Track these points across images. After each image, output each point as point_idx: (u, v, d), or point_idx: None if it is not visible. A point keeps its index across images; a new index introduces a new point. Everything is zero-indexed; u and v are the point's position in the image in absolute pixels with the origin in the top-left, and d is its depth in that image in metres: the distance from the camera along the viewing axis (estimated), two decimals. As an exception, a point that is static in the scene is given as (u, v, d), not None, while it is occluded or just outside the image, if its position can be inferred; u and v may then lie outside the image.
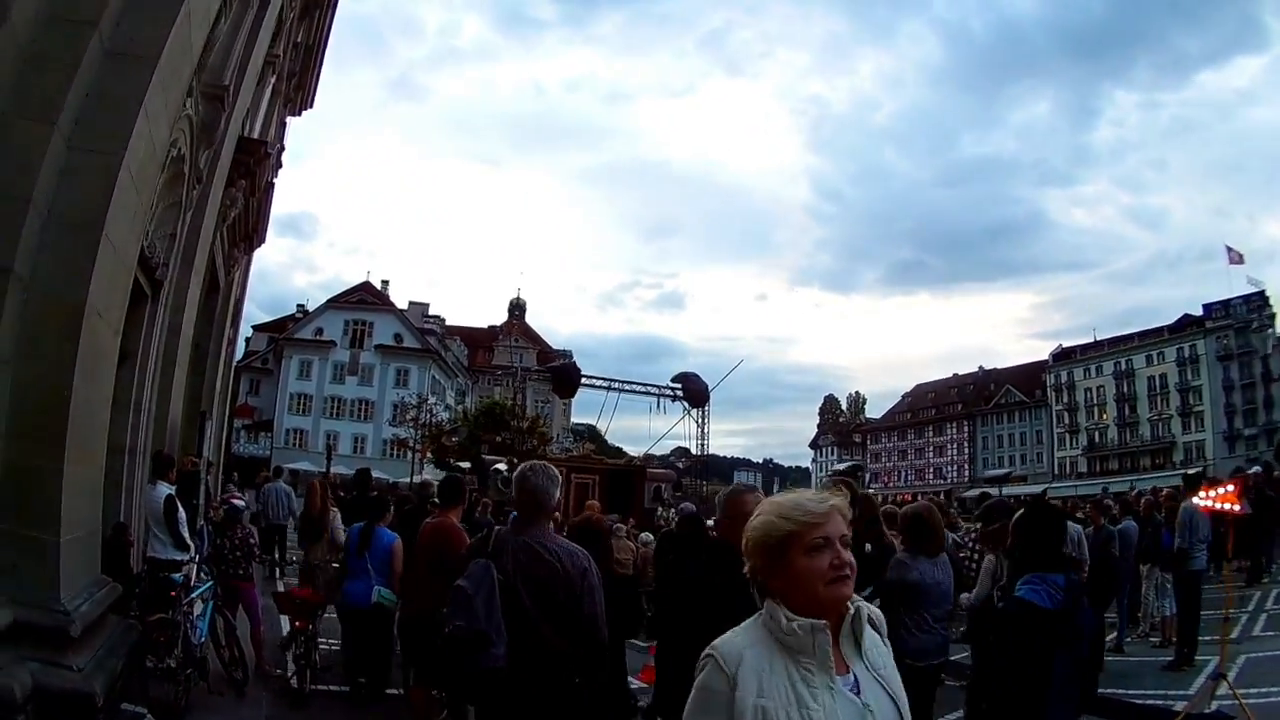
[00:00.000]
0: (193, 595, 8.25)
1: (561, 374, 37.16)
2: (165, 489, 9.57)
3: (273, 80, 17.84)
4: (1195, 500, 11.67)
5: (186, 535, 9.53)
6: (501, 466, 27.20)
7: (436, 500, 9.61)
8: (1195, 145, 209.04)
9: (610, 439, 44.09)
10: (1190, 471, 17.75)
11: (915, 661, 6.11)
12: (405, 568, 8.63)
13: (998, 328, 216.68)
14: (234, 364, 26.90)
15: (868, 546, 6.22)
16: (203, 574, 9.06)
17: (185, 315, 11.39)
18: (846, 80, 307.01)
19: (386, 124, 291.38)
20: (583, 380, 37.47)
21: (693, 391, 40.68)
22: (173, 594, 7.96)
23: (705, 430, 41.94)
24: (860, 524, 7.13)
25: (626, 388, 39.55)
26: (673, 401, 40.73)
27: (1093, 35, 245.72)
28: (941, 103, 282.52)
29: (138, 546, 9.29)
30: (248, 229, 17.75)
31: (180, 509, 9.51)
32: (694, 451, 43.40)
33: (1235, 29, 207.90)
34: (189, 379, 12.47)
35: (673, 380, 41.70)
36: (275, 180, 20.75)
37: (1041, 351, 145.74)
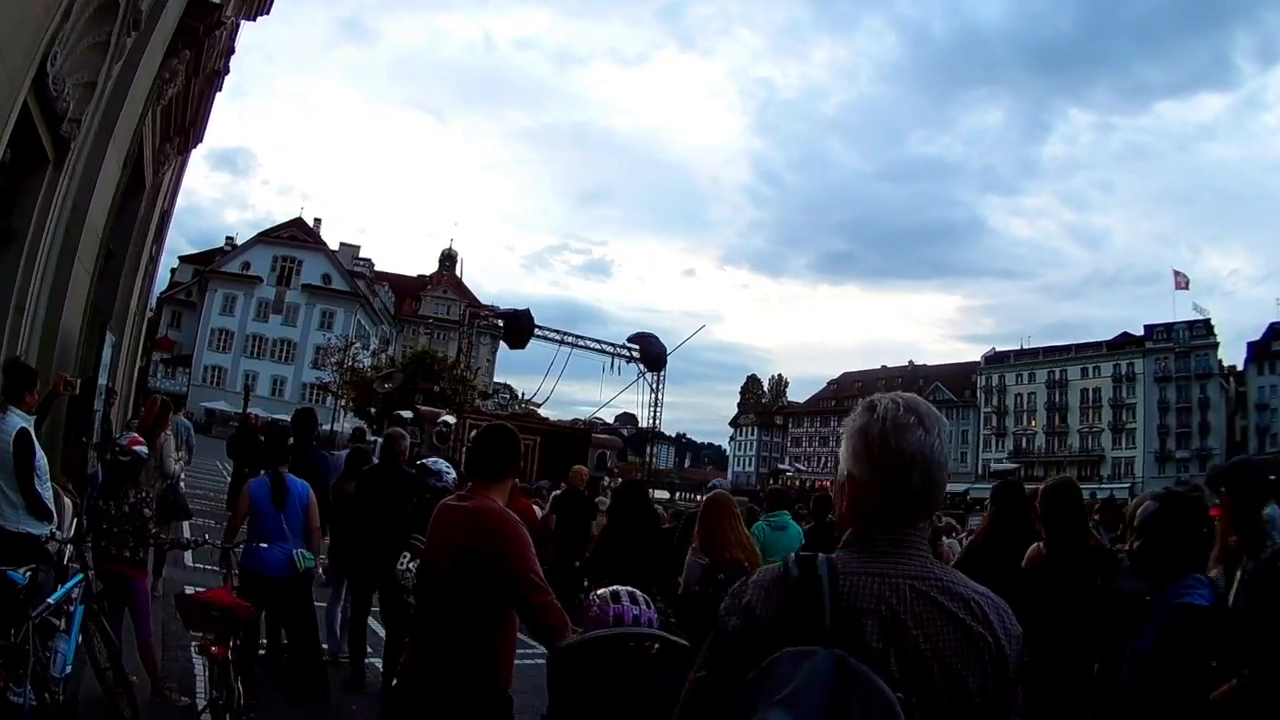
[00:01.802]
0: (51, 601, 5.22)
1: (514, 322, 32.87)
2: (18, 420, 6.15)
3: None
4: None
5: (47, 494, 6.24)
6: (449, 419, 24.79)
7: (445, 467, 7.04)
8: (1146, 172, 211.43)
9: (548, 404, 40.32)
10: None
11: None
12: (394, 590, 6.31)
13: (923, 326, 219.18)
14: (154, 285, 23.98)
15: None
16: (82, 555, 5.98)
17: (95, 199, 8.72)
18: (798, 66, 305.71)
19: (332, 65, 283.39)
20: (536, 330, 34.06)
21: (650, 354, 37.25)
22: (21, 598, 4.93)
23: (660, 397, 38.57)
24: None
25: (580, 343, 35.96)
26: (627, 363, 37.22)
27: (1055, 52, 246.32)
28: (893, 99, 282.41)
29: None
30: (184, 120, 15.02)
31: (38, 452, 6.16)
32: (644, 419, 39.95)
33: (1204, 65, 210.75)
34: (93, 284, 9.83)
35: (629, 340, 38.01)
36: (223, 74, 18.08)
37: (966, 354, 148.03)
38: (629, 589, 3.84)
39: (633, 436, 39.86)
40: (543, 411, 34.47)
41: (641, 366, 36.69)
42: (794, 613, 1.76)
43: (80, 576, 5.69)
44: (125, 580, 6.63)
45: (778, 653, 1.68)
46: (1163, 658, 3.54)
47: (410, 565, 5.59)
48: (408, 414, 26.60)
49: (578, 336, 35.85)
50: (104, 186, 9.03)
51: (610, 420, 36.70)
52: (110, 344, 9.07)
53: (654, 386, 37.70)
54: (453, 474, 6.85)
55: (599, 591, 3.85)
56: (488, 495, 4.13)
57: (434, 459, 7.17)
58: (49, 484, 6.22)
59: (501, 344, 37.08)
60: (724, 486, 11.51)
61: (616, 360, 36.00)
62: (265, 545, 6.93)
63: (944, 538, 16.57)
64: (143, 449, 7.00)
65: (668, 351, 36.99)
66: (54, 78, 6.48)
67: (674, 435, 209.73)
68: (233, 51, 19.52)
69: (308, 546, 7.36)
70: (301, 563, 7.15)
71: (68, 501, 6.87)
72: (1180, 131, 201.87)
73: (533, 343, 33.45)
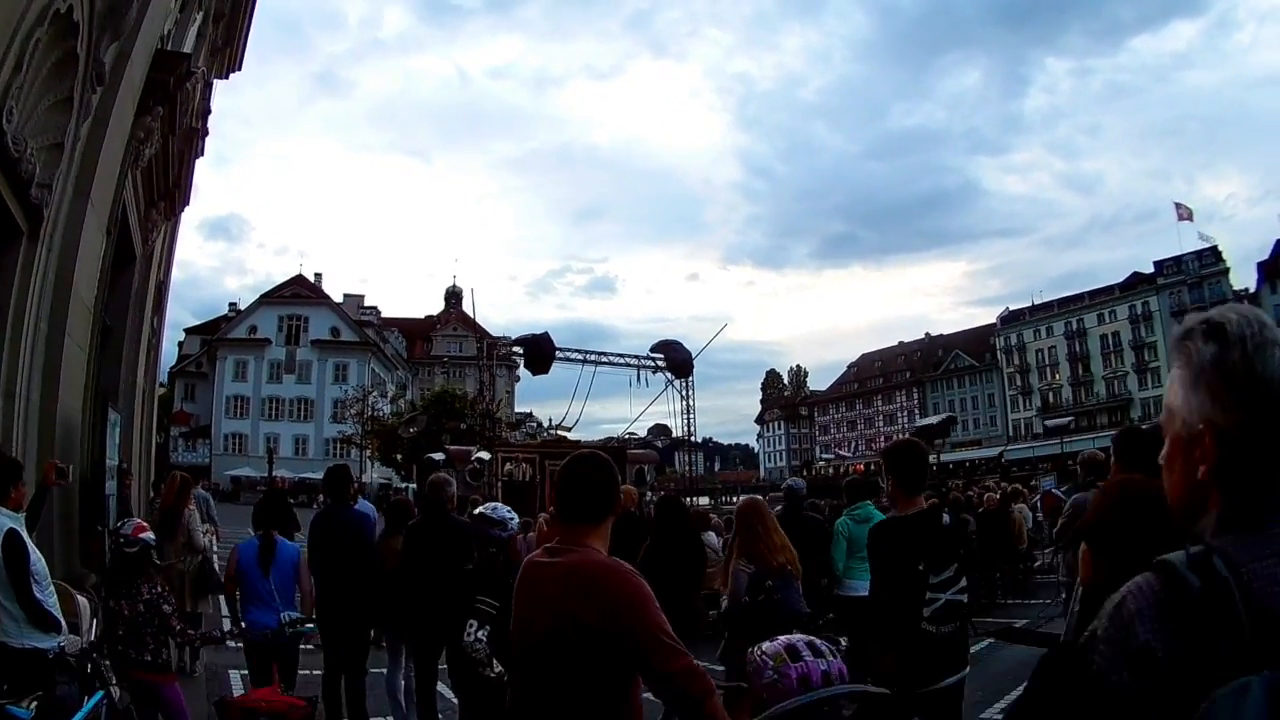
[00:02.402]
0: None
1: (534, 347, 31.33)
2: (4, 520, 5.24)
3: (198, 18, 14.85)
4: None
5: (49, 600, 5.33)
6: (484, 455, 24.12)
7: (491, 509, 6.22)
8: (1129, 110, 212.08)
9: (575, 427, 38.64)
10: None
11: None
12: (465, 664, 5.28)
13: (932, 297, 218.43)
14: (160, 359, 23.40)
15: (945, 517, 5.16)
16: (98, 668, 5.14)
17: (80, 270, 8.08)
18: (772, 57, 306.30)
19: (311, 120, 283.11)
20: (557, 354, 33.08)
21: (676, 361, 36.21)
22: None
23: (691, 403, 37.35)
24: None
25: (604, 360, 34.82)
26: (653, 374, 36.11)
27: (1023, 4, 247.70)
28: (870, 76, 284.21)
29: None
30: (168, 182, 14.42)
31: (33, 555, 5.28)
32: (676, 428, 38.79)
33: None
34: (92, 363, 9.24)
35: (652, 350, 36.80)
36: (202, 135, 17.60)
37: (979, 318, 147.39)
38: (805, 638, 3.17)
39: (666, 447, 39.19)
40: (571, 435, 33.50)
41: (669, 375, 36.13)
42: (1201, 637, 1.20)
43: (100, 695, 4.96)
44: (152, 687, 5.87)
45: (1207, 700, 1.13)
46: None
47: (480, 634, 4.86)
48: (439, 456, 25.88)
49: (600, 353, 35.29)
50: (88, 256, 8.43)
51: (642, 434, 35.84)
52: (114, 423, 8.46)
53: (684, 393, 37.08)
54: (516, 520, 6.08)
55: (764, 648, 3.16)
56: (585, 544, 3.20)
57: (494, 505, 6.25)
58: (51, 589, 5.38)
59: (519, 373, 36.30)
60: (798, 487, 10.87)
61: (643, 372, 35.26)
62: (263, 620, 6.86)
63: (1012, 504, 15.96)
64: (149, 536, 6.14)
65: (693, 356, 36.22)
66: (13, 136, 5.93)
67: (700, 441, 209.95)
68: (209, 111, 19.11)
69: (301, 608, 7.25)
70: (288, 625, 6.89)
71: (82, 600, 5.92)
72: (1157, 64, 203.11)
73: (552, 368, 32.65)
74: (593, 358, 34.67)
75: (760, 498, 8.01)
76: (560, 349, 32.91)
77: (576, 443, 31.35)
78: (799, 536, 8.08)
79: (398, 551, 7.77)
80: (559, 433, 32.99)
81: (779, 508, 9.87)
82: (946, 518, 5.21)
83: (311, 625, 7.26)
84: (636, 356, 36.34)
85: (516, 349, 33.00)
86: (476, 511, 6.16)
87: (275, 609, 6.99)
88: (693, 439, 39.24)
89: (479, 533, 6.02)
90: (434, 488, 7.70)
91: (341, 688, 7.50)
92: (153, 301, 17.46)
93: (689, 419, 36.69)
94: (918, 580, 4.72)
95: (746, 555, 6.65)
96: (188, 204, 18.76)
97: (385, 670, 8.15)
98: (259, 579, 7.11)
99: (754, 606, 6.32)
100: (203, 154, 21.24)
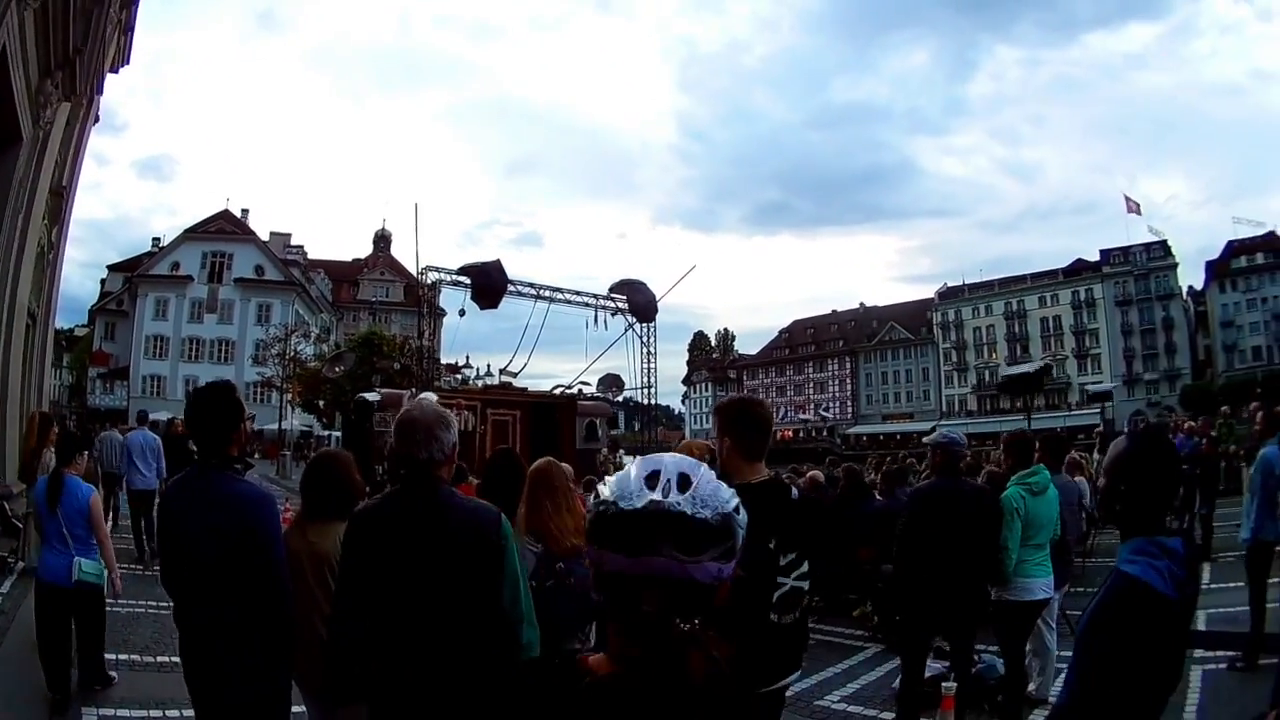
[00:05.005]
0: None
1: (483, 277, 29.12)
2: None
3: None
4: None
5: None
6: (432, 396, 21.74)
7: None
8: (1077, 103, 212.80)
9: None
10: None
11: None
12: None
13: (863, 271, 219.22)
14: (59, 282, 20.59)
15: (794, 491, 4.41)
16: None
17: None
18: (719, 21, 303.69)
19: (248, 60, 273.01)
20: (509, 287, 30.14)
21: (639, 304, 32.75)
22: None
23: (652, 351, 34.42)
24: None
25: (559, 297, 31.58)
26: (613, 316, 32.91)
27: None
28: (816, 48, 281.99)
29: None
30: (68, 47, 11.78)
31: None
32: (631, 380, 35.32)
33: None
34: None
35: (612, 290, 33.36)
36: (127, 25, 15.22)
37: (908, 295, 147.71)
38: None
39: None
40: (517, 384, 30.64)
41: (630, 318, 33.48)
42: None
43: None
44: None
45: None
46: (1084, 634, 2.92)
47: None
48: (372, 396, 23.30)
49: (555, 289, 32.17)
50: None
51: (591, 385, 33.05)
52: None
53: (644, 339, 34.32)
54: (743, 518, 1.68)
55: None
56: None
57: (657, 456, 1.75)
58: None
59: (446, 320, 33.45)
60: (957, 442, 7.38)
61: (601, 313, 32.55)
62: (52, 562, 6.79)
63: (1074, 477, 14.36)
64: None
65: (657, 299, 33.67)
66: None
67: (620, 400, 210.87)
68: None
69: (102, 556, 7.04)
70: (78, 573, 6.72)
71: None
72: (1110, 62, 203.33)
73: (481, 318, 29.75)
74: (547, 293, 31.63)
75: (555, 461, 5.71)
76: (513, 282, 30.39)
77: (524, 390, 28.91)
78: (961, 519, 6.58)
79: (319, 554, 4.32)
80: (505, 379, 29.83)
81: (926, 481, 8.01)
82: (795, 491, 4.49)
83: (97, 571, 6.87)
84: (595, 295, 33.33)
85: (461, 278, 29.76)
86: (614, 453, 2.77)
87: (67, 553, 6.76)
88: (652, 391, 36.57)
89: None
90: (407, 430, 3.55)
91: None
92: (47, 208, 14.87)
93: (649, 368, 34.01)
94: (768, 560, 4.02)
95: (532, 532, 5.36)
96: (100, 90, 16.25)
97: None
98: (47, 518, 6.89)
99: (543, 591, 5.00)
100: (128, 62, 18.93)
